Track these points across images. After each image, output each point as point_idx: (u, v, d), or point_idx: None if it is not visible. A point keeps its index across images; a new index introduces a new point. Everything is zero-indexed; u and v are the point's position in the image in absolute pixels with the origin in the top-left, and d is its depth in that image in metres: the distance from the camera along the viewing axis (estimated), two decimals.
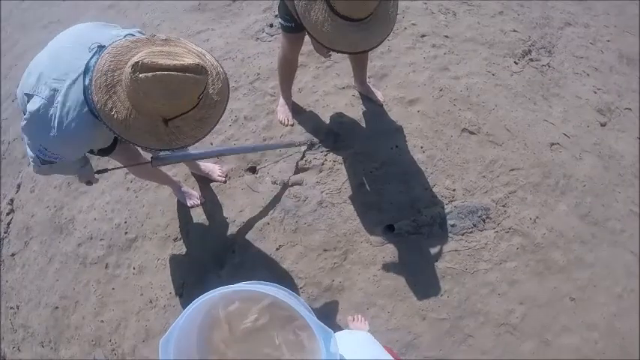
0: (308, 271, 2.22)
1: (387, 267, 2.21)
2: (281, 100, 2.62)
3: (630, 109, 2.83)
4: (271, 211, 2.37)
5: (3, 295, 2.50)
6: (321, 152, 2.50)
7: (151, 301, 2.26)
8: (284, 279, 2.19)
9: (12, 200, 2.78)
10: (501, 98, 2.70)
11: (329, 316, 2.13)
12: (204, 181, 2.49)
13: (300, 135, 2.56)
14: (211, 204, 2.43)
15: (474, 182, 2.41)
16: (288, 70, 2.43)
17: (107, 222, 2.50)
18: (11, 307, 2.45)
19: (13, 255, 2.59)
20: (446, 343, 2.07)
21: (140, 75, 1.13)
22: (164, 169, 2.29)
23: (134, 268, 2.35)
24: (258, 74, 2.82)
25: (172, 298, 2.24)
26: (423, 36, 2.94)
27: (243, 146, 2.54)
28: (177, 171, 2.51)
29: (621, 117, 2.79)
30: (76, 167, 1.70)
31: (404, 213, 2.32)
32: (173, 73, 1.14)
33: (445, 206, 2.34)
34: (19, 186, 2.81)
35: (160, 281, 2.29)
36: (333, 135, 2.56)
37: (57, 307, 2.35)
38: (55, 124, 1.36)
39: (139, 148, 1.73)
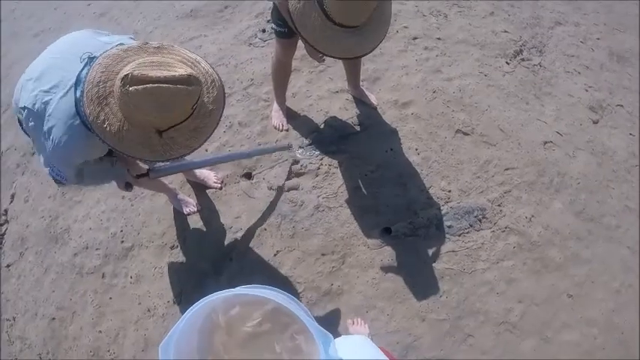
0: (306, 276, 2.22)
1: (385, 269, 2.22)
2: (275, 106, 2.63)
3: (622, 105, 2.86)
4: (268, 217, 2.37)
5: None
6: (317, 157, 2.50)
7: (149, 310, 2.24)
8: (283, 284, 2.18)
9: (6, 211, 2.75)
10: (494, 99, 2.72)
11: (328, 320, 2.13)
12: (199, 188, 2.49)
13: (284, 139, 2.56)
14: (208, 211, 2.43)
15: (469, 183, 2.42)
16: (282, 75, 2.43)
17: (103, 231, 2.49)
18: (7, 319, 2.43)
19: (8, 266, 2.57)
20: (446, 344, 2.07)
21: (130, 88, 1.11)
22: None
23: (131, 277, 2.34)
24: (252, 80, 2.83)
25: (171, 306, 2.23)
26: (415, 38, 2.96)
27: (238, 152, 2.53)
28: (173, 178, 2.51)
29: (613, 114, 2.81)
30: (106, 170, 1.67)
31: (400, 215, 2.33)
32: (164, 85, 1.11)
33: (441, 207, 2.35)
34: (12, 196, 2.79)
35: (158, 290, 2.28)
36: (327, 139, 2.56)
37: (54, 318, 2.33)
38: (50, 138, 1.35)
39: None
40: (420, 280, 2.20)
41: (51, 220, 2.60)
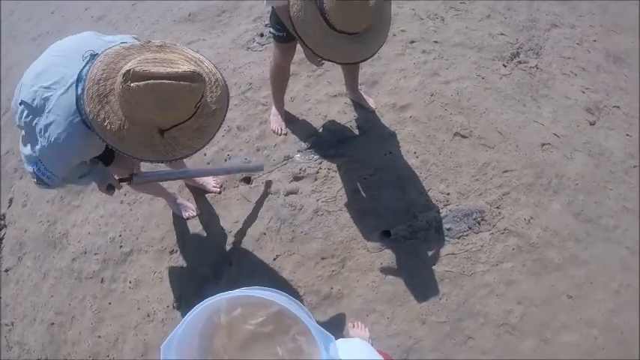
0: (306, 280, 2.22)
1: (385, 273, 2.22)
2: (273, 110, 2.63)
3: (618, 106, 2.88)
4: (267, 221, 2.37)
5: None
6: (316, 161, 2.51)
7: (148, 315, 2.24)
8: (282, 288, 2.15)
9: (4, 215, 2.75)
10: (491, 101, 2.73)
11: (329, 324, 2.13)
12: (198, 192, 2.49)
13: (283, 144, 2.56)
14: (207, 215, 2.43)
15: (468, 185, 2.43)
16: (280, 79, 2.44)
17: (101, 236, 2.48)
18: (6, 324, 2.42)
19: (6, 271, 2.56)
20: (446, 346, 2.07)
21: (132, 84, 1.08)
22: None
23: (130, 282, 2.33)
24: (250, 84, 2.83)
25: (170, 311, 2.23)
26: (412, 42, 2.97)
27: (216, 168, 2.51)
28: (172, 183, 2.51)
29: (610, 115, 2.83)
30: (84, 173, 1.61)
31: (400, 218, 2.33)
32: (166, 81, 1.08)
33: (440, 210, 2.36)
34: (10, 200, 2.79)
35: (157, 294, 2.27)
36: (326, 143, 2.57)
37: (53, 324, 2.32)
38: (46, 135, 1.31)
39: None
40: (420, 282, 2.20)
41: (49, 224, 2.59)
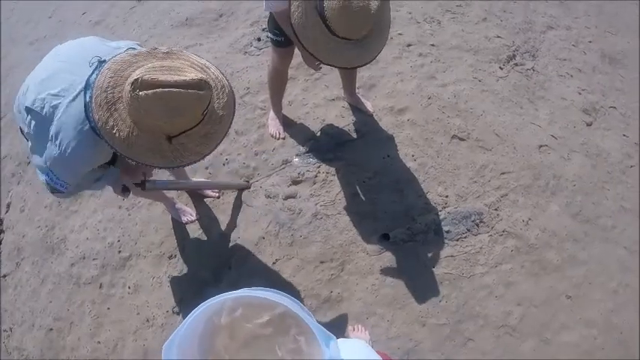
0: (306, 284, 2.22)
1: (385, 276, 2.22)
2: (271, 114, 2.64)
3: (615, 107, 2.89)
4: (266, 225, 2.37)
5: None
6: (314, 164, 2.51)
7: (147, 320, 2.23)
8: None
9: (2, 220, 2.74)
10: (488, 104, 2.74)
11: (329, 327, 2.12)
12: (197, 197, 2.49)
13: (281, 148, 2.58)
14: (205, 220, 2.43)
15: (466, 188, 2.44)
16: (278, 83, 2.44)
17: (100, 241, 2.47)
18: (5, 330, 2.41)
19: (4, 276, 2.55)
20: (447, 348, 2.08)
21: (140, 92, 1.09)
22: None
23: (129, 287, 2.33)
24: (248, 88, 2.84)
25: (170, 316, 2.22)
26: (409, 45, 2.99)
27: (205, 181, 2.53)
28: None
29: (606, 116, 2.85)
30: (98, 177, 1.64)
31: (398, 221, 2.34)
32: (174, 89, 1.09)
33: (439, 213, 2.36)
34: (8, 205, 2.78)
35: (157, 299, 2.27)
36: (324, 147, 2.57)
37: (51, 329, 2.31)
38: (57, 143, 1.32)
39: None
40: (420, 285, 2.20)
41: (47, 230, 2.59)
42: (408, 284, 2.20)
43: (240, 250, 2.33)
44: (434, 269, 2.23)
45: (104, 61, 1.28)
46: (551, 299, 2.18)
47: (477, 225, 2.33)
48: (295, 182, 2.47)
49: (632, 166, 2.63)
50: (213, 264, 2.31)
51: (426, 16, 3.16)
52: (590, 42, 3.23)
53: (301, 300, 2.18)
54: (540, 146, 2.61)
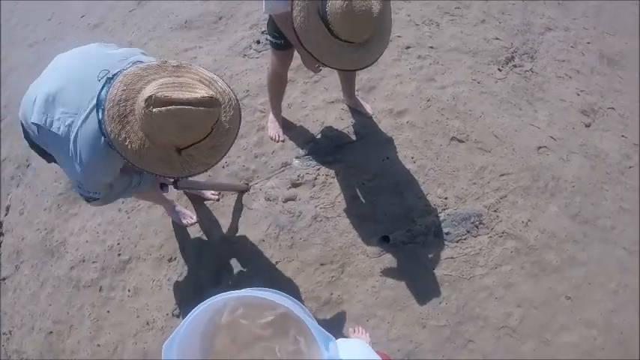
0: (306, 286, 2.22)
1: (385, 278, 2.22)
2: (271, 117, 2.64)
3: (613, 108, 2.90)
4: (266, 228, 2.37)
5: None
6: (314, 167, 2.51)
7: (147, 323, 2.23)
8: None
9: (1, 223, 2.73)
10: (487, 105, 2.75)
11: (329, 330, 2.12)
12: (197, 199, 2.49)
13: (281, 150, 2.59)
14: (205, 223, 2.43)
15: (466, 189, 2.44)
16: (278, 86, 2.45)
17: (99, 244, 2.47)
18: (4, 333, 2.40)
19: (4, 279, 2.55)
20: (447, 350, 2.08)
21: (154, 109, 1.14)
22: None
23: (129, 290, 2.33)
24: (247, 91, 2.84)
25: (170, 319, 2.22)
26: (408, 47, 2.99)
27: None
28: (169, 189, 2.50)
29: (605, 117, 2.86)
30: (137, 182, 1.75)
31: (398, 223, 2.34)
32: (186, 107, 1.14)
33: (438, 214, 2.37)
34: (7, 208, 2.77)
35: (157, 302, 2.27)
36: (324, 149, 2.57)
37: (51, 332, 2.31)
38: (77, 160, 1.38)
39: None
40: (420, 287, 2.21)
41: (47, 232, 2.58)
42: (408, 286, 2.20)
43: (240, 253, 2.33)
44: (434, 271, 2.24)
45: (113, 75, 1.32)
46: (550, 300, 2.19)
47: (477, 226, 2.34)
48: (295, 185, 2.47)
49: (630, 167, 2.63)
50: (213, 267, 2.31)
51: (425, 19, 3.17)
52: (588, 43, 3.24)
53: (302, 302, 2.18)
54: (539, 147, 2.62)
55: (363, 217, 2.37)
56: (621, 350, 2.10)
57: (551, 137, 2.67)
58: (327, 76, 2.83)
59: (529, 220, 2.37)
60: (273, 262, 2.28)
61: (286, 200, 2.42)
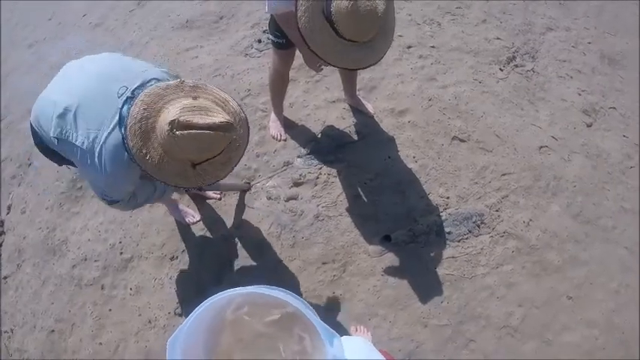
0: (308, 285, 2.22)
1: (387, 277, 2.23)
2: (273, 116, 2.64)
3: (614, 108, 2.91)
4: (268, 227, 2.37)
5: None
6: (315, 166, 2.51)
7: (149, 322, 2.23)
8: None
9: (2, 222, 2.73)
10: (489, 105, 2.75)
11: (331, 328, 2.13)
12: (199, 198, 2.49)
13: (283, 149, 2.60)
14: (208, 221, 2.43)
15: (467, 189, 2.44)
16: (279, 85, 2.45)
17: (101, 242, 2.47)
18: (5, 331, 2.40)
19: (5, 278, 2.55)
20: (448, 349, 2.08)
21: (177, 132, 1.26)
22: None
23: (131, 289, 2.33)
24: (249, 90, 2.84)
25: (172, 317, 2.22)
26: (409, 47, 2.99)
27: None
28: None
29: (606, 116, 2.86)
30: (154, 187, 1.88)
31: (400, 223, 2.34)
32: (206, 132, 1.27)
33: (440, 214, 2.37)
34: (9, 207, 2.77)
35: (158, 301, 2.27)
36: (325, 148, 2.58)
37: (53, 331, 2.31)
38: (102, 171, 1.51)
39: None
40: (421, 286, 2.21)
41: (48, 231, 2.58)
42: (409, 285, 2.21)
43: (242, 252, 2.33)
44: (435, 270, 2.24)
45: (133, 93, 1.45)
46: (552, 300, 2.19)
47: (478, 226, 2.34)
48: (297, 184, 2.47)
49: (632, 167, 2.64)
50: (214, 265, 2.32)
51: (426, 18, 3.17)
52: (589, 43, 3.24)
53: None
54: (541, 147, 2.62)
55: (364, 216, 2.37)
56: (623, 350, 2.10)
57: (552, 137, 2.67)
58: (328, 76, 2.83)
59: (530, 220, 2.37)
60: (275, 261, 2.29)
61: (288, 199, 2.42)
